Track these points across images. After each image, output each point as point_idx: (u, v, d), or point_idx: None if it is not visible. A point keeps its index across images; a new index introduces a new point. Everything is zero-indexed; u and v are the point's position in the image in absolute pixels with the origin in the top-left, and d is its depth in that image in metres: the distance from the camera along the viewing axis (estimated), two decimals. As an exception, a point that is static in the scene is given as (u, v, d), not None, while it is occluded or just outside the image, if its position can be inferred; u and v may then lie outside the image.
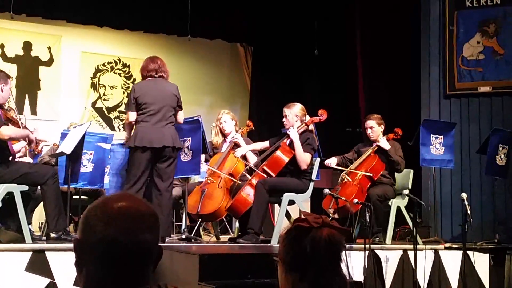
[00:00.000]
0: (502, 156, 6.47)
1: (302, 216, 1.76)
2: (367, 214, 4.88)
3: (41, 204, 5.29)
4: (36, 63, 9.02)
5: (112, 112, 9.60)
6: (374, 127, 6.17)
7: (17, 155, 5.53)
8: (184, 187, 6.05)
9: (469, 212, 5.57)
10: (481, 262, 5.88)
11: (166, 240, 5.36)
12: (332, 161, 6.12)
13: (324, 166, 6.19)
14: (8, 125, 4.90)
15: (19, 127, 5.20)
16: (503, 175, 6.54)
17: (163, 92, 5.32)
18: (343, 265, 1.74)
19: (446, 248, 5.89)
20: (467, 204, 5.60)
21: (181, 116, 5.48)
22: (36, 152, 6.45)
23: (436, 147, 6.46)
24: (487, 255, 5.95)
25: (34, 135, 5.07)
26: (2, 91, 4.93)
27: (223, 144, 6.25)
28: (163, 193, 5.25)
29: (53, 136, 6.81)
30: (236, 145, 6.07)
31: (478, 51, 7.26)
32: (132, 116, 5.30)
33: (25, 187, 4.88)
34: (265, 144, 5.97)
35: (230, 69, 10.52)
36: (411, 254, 5.31)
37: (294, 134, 5.63)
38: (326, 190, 5.31)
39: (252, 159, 5.97)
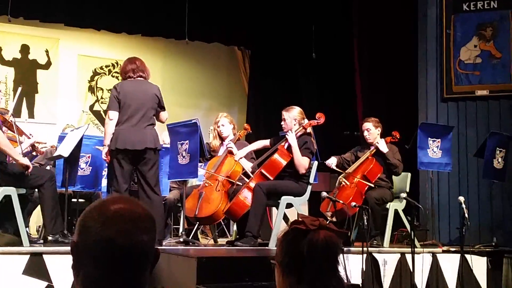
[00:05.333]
0: (500, 159, 6.48)
1: (299, 219, 1.76)
2: (365, 217, 4.88)
3: (39, 207, 5.28)
4: (33, 66, 9.02)
5: (109, 115, 9.59)
6: (371, 130, 6.19)
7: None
8: (181, 190, 6.04)
9: (466, 215, 5.58)
10: (479, 265, 5.89)
11: (164, 243, 5.36)
12: (332, 162, 6.12)
13: (322, 170, 6.20)
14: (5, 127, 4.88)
15: (13, 131, 5.19)
16: (500, 178, 6.55)
17: (144, 93, 5.21)
18: (340, 268, 1.74)
19: (443, 251, 5.89)
20: (465, 207, 5.61)
21: (164, 116, 5.35)
22: (38, 153, 6.44)
23: (433, 150, 6.47)
24: (485, 258, 5.96)
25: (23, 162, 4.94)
26: None
27: (220, 147, 6.25)
28: (152, 197, 5.14)
29: (51, 139, 6.80)
30: (230, 152, 6.06)
31: (475, 55, 7.27)
32: (114, 115, 5.14)
33: (22, 190, 4.87)
34: (266, 142, 5.96)
35: (228, 73, 10.53)
36: (409, 257, 5.31)
37: (292, 138, 5.63)
38: (324, 193, 5.31)
39: (248, 165, 5.95)
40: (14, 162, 4.93)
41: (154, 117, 5.27)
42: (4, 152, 4.85)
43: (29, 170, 4.83)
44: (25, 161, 4.85)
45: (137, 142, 5.08)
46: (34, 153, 6.26)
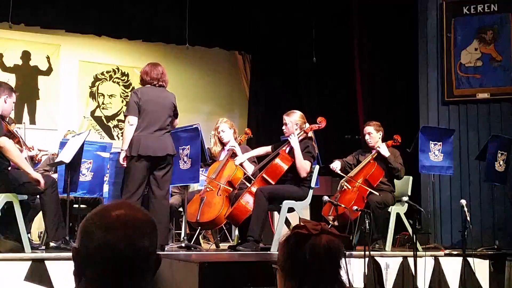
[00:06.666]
0: (501, 162, 6.48)
1: (301, 223, 1.76)
2: (367, 221, 4.87)
3: (40, 213, 5.28)
4: (34, 73, 9.03)
5: (111, 121, 9.61)
6: (372, 133, 6.19)
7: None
8: (183, 195, 6.04)
9: (468, 218, 5.56)
10: (481, 269, 5.88)
11: (166, 248, 5.36)
12: (337, 166, 6.11)
13: (324, 174, 6.19)
14: (8, 137, 4.87)
15: (19, 141, 5.19)
16: (502, 181, 6.55)
17: (164, 101, 5.30)
18: (342, 272, 1.73)
19: (446, 255, 5.88)
20: (467, 210, 5.59)
21: (175, 124, 5.44)
22: (36, 161, 6.45)
23: (435, 153, 6.46)
24: (487, 261, 5.94)
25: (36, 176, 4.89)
26: (5, 102, 4.93)
27: (221, 153, 6.25)
28: (161, 201, 5.20)
29: (52, 145, 6.81)
30: (234, 153, 6.07)
31: (476, 58, 7.28)
32: (134, 120, 5.18)
33: (24, 197, 4.87)
34: (268, 149, 5.96)
35: (229, 77, 10.53)
36: (411, 260, 5.30)
37: (294, 141, 5.63)
38: (326, 198, 5.31)
39: (249, 168, 5.97)
40: (16, 168, 4.93)
41: (169, 125, 5.33)
42: (17, 165, 4.86)
43: (42, 185, 4.79)
44: (37, 175, 4.80)
45: (158, 149, 5.15)
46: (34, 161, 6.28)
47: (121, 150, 5.26)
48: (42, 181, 4.78)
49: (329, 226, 1.76)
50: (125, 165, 5.21)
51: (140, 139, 5.14)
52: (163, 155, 5.17)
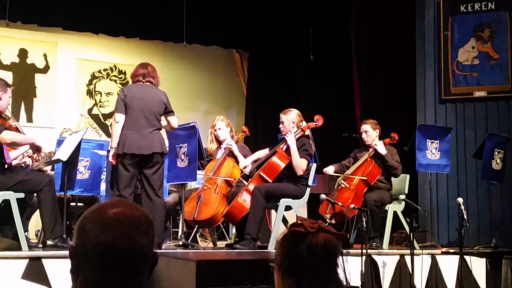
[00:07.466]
0: (498, 160, 6.49)
1: (298, 221, 1.76)
2: (364, 219, 4.88)
3: (38, 211, 5.27)
4: (32, 70, 9.02)
5: (108, 119, 9.60)
6: (369, 131, 6.20)
7: (17, 159, 5.49)
8: (180, 193, 6.04)
9: (465, 216, 5.57)
10: (478, 267, 5.89)
11: (163, 247, 5.35)
12: (329, 169, 6.13)
13: (321, 172, 6.20)
14: (8, 130, 4.86)
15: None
16: (499, 179, 6.56)
17: (151, 98, 5.22)
18: (339, 270, 1.73)
19: (443, 253, 5.89)
20: (464, 208, 5.60)
21: (174, 121, 5.37)
22: (34, 160, 6.43)
23: (432, 152, 6.47)
24: (484, 259, 5.95)
25: (39, 143, 5.00)
26: (0, 99, 4.91)
27: (217, 151, 6.25)
28: (154, 200, 5.16)
29: (49, 143, 6.80)
30: (231, 152, 6.07)
31: (473, 56, 7.28)
32: (120, 117, 5.15)
33: (21, 195, 4.86)
34: (266, 151, 5.97)
35: (226, 75, 10.53)
36: (408, 259, 5.31)
37: (291, 139, 5.63)
38: (323, 196, 5.31)
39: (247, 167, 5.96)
40: (14, 166, 4.93)
41: (160, 122, 5.28)
42: (22, 144, 4.96)
43: (41, 151, 5.04)
44: (39, 143, 4.96)
45: (145, 147, 5.10)
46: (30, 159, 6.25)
47: (110, 147, 5.25)
48: (41, 146, 4.98)
49: (326, 224, 1.76)
50: (114, 163, 5.20)
51: (126, 137, 5.10)
52: (149, 153, 5.11)
